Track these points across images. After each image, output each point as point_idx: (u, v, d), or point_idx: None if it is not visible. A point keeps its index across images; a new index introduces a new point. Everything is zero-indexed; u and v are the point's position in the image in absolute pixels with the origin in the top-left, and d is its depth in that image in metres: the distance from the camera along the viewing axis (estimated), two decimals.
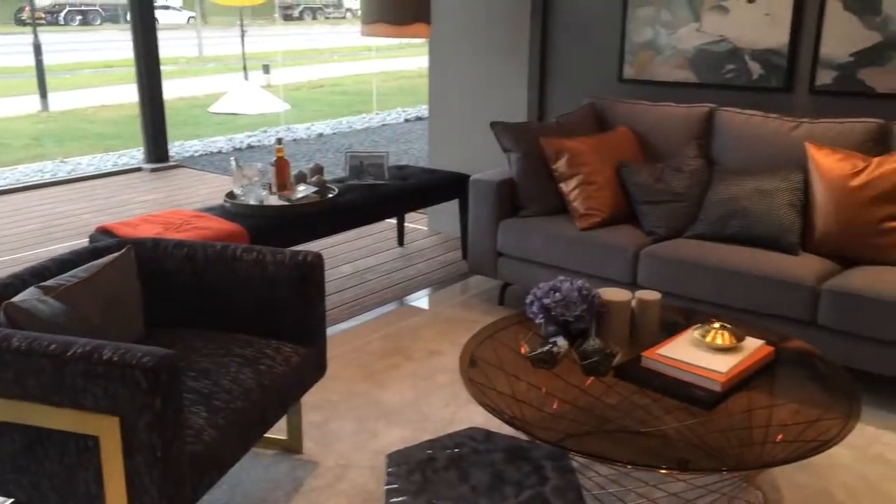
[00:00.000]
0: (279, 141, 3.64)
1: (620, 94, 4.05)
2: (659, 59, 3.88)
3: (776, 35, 3.52)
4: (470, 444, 1.68)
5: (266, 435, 2.53)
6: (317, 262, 2.28)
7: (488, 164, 4.46)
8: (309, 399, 2.84)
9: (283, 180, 3.55)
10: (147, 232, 3.02)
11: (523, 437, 1.90)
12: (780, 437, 1.94)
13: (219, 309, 2.37)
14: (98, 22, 25.15)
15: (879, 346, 2.70)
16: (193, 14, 25.67)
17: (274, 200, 3.47)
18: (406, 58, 19.09)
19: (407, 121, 11.07)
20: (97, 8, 25.20)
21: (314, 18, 30.48)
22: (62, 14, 24.53)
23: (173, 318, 2.40)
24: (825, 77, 3.43)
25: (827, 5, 3.36)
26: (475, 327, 3.40)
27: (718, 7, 3.66)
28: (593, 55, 4.13)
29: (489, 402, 2.05)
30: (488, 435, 1.71)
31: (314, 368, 2.33)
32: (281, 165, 3.54)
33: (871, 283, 2.72)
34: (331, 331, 3.45)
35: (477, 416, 2.70)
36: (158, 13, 28.25)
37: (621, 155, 3.52)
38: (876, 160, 2.94)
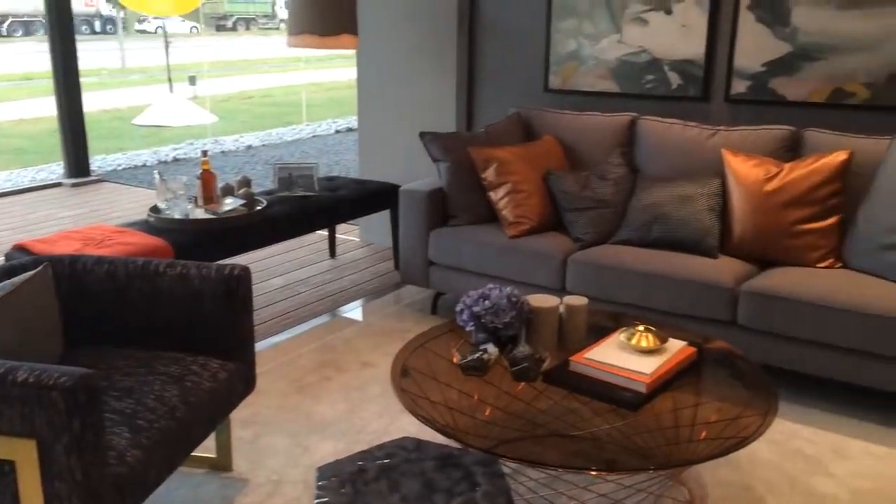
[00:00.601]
0: (205, 153, 3.58)
1: (546, 103, 4.12)
2: (583, 70, 3.97)
3: (693, 46, 3.64)
4: (401, 453, 1.68)
5: (194, 453, 2.47)
6: (243, 276, 2.25)
7: (419, 174, 4.48)
8: (239, 415, 2.79)
9: (209, 193, 3.49)
10: (66, 248, 2.92)
11: (456, 445, 1.91)
12: (703, 434, 2.00)
13: (143, 326, 2.31)
14: (42, 33, 24.34)
15: (795, 343, 2.81)
16: (195, 24, 25.47)
17: (200, 214, 3.41)
18: (337, 69, 19.00)
19: (338, 132, 11.02)
20: (41, 19, 24.39)
21: (247, 29, 30.13)
22: (5, 25, 23.67)
23: (95, 336, 2.33)
24: (740, 86, 3.57)
25: (740, 17, 3.50)
26: (408, 337, 3.40)
27: (638, 19, 3.77)
28: (519, 66, 4.19)
29: (421, 411, 2.06)
30: (419, 444, 1.71)
31: (243, 384, 2.30)
32: (207, 178, 3.48)
33: (785, 283, 2.84)
34: (261, 345, 3.40)
35: (410, 426, 2.70)
36: (162, 22, 27.81)
37: (548, 163, 3.58)
38: (788, 166, 3.07)
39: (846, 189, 3.03)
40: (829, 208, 3.00)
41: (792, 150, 3.24)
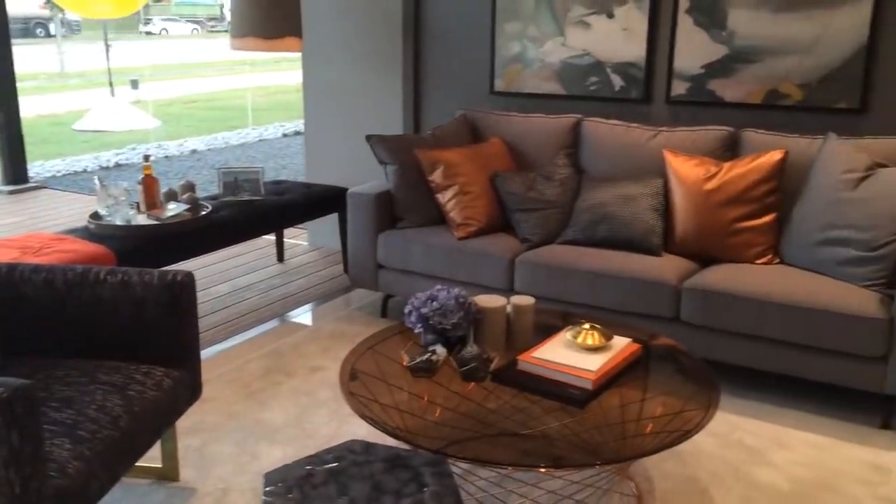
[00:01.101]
0: (146, 158, 3.52)
1: (492, 105, 4.16)
2: (528, 72, 4.01)
3: (634, 49, 3.71)
4: (349, 456, 1.68)
5: (140, 464, 2.42)
6: (187, 281, 2.22)
7: (366, 176, 4.46)
8: (185, 423, 2.74)
9: (151, 199, 3.43)
10: (2, 257, 2.84)
11: (406, 447, 1.91)
12: (648, 428, 2.04)
13: (83, 335, 2.25)
14: None
15: (735, 338, 2.88)
16: (196, 26, 25.07)
17: (142, 220, 3.35)
18: (285, 72, 18.81)
19: (285, 135, 10.91)
20: None
21: (195, 32, 29.68)
22: None
23: (33, 346, 2.26)
24: (680, 88, 3.65)
25: (679, 21, 3.58)
26: (358, 341, 3.38)
27: (581, 22, 3.82)
28: (465, 68, 4.22)
29: (371, 414, 2.05)
30: (367, 446, 1.71)
31: (188, 391, 2.26)
32: (149, 183, 3.42)
33: (725, 280, 2.91)
34: (208, 352, 3.35)
35: (361, 430, 2.69)
36: (167, 24, 27.13)
37: (495, 165, 3.61)
38: (726, 165, 3.15)
39: (782, 187, 3.12)
40: (766, 206, 3.09)
41: (730, 149, 3.33)
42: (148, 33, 27.09)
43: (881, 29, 3.22)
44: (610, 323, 2.61)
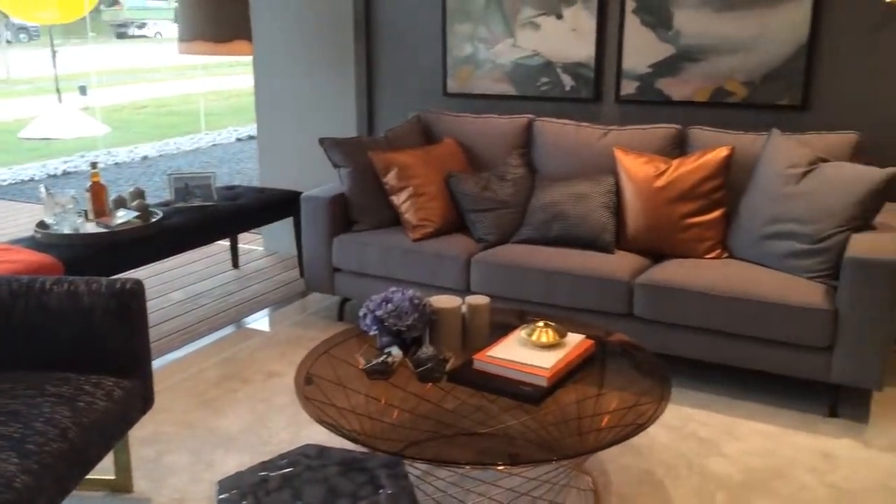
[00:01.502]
0: (94, 165, 3.45)
1: (446, 106, 4.17)
2: (479, 73, 4.04)
3: (583, 49, 3.76)
4: (304, 461, 1.67)
5: (92, 476, 2.38)
6: (136, 289, 2.18)
7: (322, 180, 4.44)
8: (139, 434, 2.70)
9: (99, 206, 3.36)
10: None
11: (363, 449, 1.91)
12: (603, 423, 2.07)
13: (30, 346, 2.20)
14: None
15: (687, 331, 2.94)
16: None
17: (91, 228, 3.28)
18: (239, 75, 18.60)
19: (239, 140, 10.80)
20: None
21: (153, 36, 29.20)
22: None
23: None
24: (629, 87, 3.70)
25: (626, 21, 3.64)
26: (314, 345, 3.37)
27: (531, 23, 3.86)
28: (418, 70, 4.23)
29: (327, 418, 2.05)
30: (322, 450, 1.70)
31: (140, 401, 2.22)
32: (97, 190, 3.36)
33: (675, 275, 2.96)
34: (162, 361, 3.30)
35: (319, 435, 2.68)
36: (161, 27, 26.27)
37: (449, 166, 3.62)
38: (675, 162, 3.21)
39: (729, 183, 3.18)
40: (714, 202, 3.15)
41: (678, 147, 3.39)
42: (142, 37, 26.61)
43: (820, 27, 3.31)
44: (565, 320, 2.64)
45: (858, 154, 3.09)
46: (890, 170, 2.77)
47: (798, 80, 3.37)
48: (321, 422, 2.02)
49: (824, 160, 2.99)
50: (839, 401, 2.84)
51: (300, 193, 4.12)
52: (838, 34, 3.30)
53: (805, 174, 2.95)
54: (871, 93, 3.29)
